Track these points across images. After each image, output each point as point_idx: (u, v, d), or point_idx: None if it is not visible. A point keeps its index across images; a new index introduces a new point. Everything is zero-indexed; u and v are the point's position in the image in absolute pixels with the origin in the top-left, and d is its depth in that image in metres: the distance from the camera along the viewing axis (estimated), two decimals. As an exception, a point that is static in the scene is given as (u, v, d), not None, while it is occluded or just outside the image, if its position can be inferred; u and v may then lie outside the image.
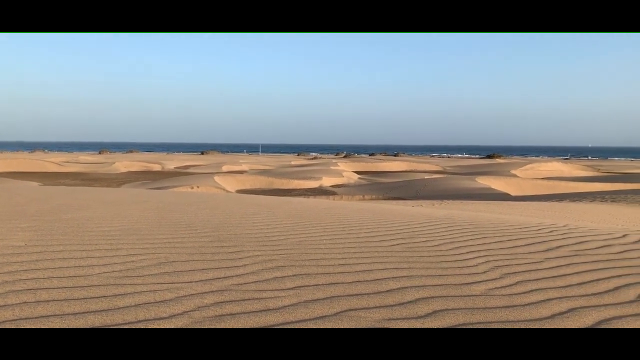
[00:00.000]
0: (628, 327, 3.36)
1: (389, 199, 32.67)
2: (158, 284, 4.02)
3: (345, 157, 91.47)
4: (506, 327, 3.31)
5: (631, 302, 3.91)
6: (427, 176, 52.16)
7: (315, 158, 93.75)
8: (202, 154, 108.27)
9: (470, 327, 3.29)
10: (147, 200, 10.69)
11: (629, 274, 4.74)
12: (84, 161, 70.73)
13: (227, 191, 37.01)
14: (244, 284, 4.08)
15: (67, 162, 66.19)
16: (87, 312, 3.35)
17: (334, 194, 39.08)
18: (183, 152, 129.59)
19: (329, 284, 4.12)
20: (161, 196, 12.38)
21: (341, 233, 6.62)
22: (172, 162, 71.14)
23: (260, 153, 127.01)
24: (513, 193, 37.47)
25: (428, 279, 4.38)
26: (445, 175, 53.81)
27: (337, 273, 4.48)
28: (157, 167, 63.82)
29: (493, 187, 40.37)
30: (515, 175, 52.54)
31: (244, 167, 63.35)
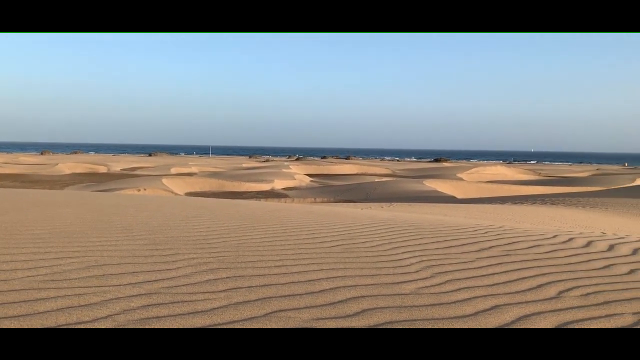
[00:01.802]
0: (545, 322, 3.52)
1: (339, 201, 32.95)
2: (84, 287, 3.90)
3: (297, 159, 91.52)
4: (428, 327, 3.40)
5: (551, 298, 4.09)
6: (377, 179, 52.93)
7: (267, 161, 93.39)
8: (150, 155, 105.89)
9: (396, 325, 3.36)
10: (85, 203, 10.35)
11: (553, 272, 4.97)
12: (24, 162, 67.80)
13: (176, 194, 36.31)
14: (175, 287, 4.01)
15: (6, 163, 63.21)
16: (3, 317, 3.21)
17: (285, 196, 39.04)
18: (130, 153, 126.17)
19: (262, 286, 4.11)
20: (102, 198, 12.01)
21: (282, 235, 6.62)
22: (119, 163, 69.16)
23: (210, 155, 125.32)
24: (459, 196, 38.52)
25: (361, 279, 4.45)
26: (394, 179, 54.75)
27: (272, 275, 4.47)
28: (102, 169, 61.87)
29: (440, 190, 41.38)
30: (461, 179, 54.02)
31: (194, 170, 62.32)
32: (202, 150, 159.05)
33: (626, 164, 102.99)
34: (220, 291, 3.94)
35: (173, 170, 59.23)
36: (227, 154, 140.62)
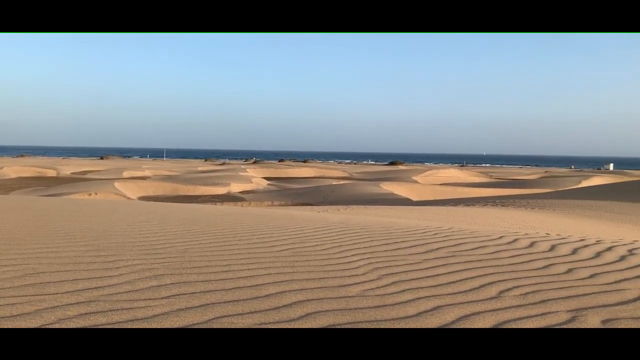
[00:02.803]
0: (484, 321, 3.61)
1: (297, 204, 32.93)
2: (19, 296, 3.74)
3: (254, 163, 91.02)
4: (369, 327, 3.43)
5: (492, 298, 4.21)
6: (335, 182, 53.23)
7: (223, 164, 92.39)
8: (102, 158, 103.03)
9: (339, 327, 3.38)
10: (30, 208, 9.96)
11: (495, 273, 5.11)
12: (-35, 166, 64.60)
13: (129, 198, 35.43)
14: (115, 294, 3.91)
15: (-54, 167, 60.09)
16: None
17: (242, 200, 38.71)
18: (80, 156, 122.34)
19: (206, 292, 4.06)
20: (48, 203, 11.58)
21: (232, 240, 6.56)
22: (69, 167, 66.91)
23: (165, 158, 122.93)
24: (414, 198, 39.19)
25: (308, 282, 4.45)
26: (352, 181, 55.23)
27: (218, 280, 4.42)
28: (51, 173, 59.70)
29: (396, 192, 42.00)
30: (416, 181, 55.00)
31: (147, 173, 61.01)
32: (156, 154, 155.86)
33: (572, 167, 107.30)
34: (162, 298, 3.86)
35: (126, 174, 57.81)
36: (182, 157, 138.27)
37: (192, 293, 4.00)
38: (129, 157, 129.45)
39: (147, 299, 3.82)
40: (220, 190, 45.04)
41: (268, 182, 56.50)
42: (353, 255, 5.76)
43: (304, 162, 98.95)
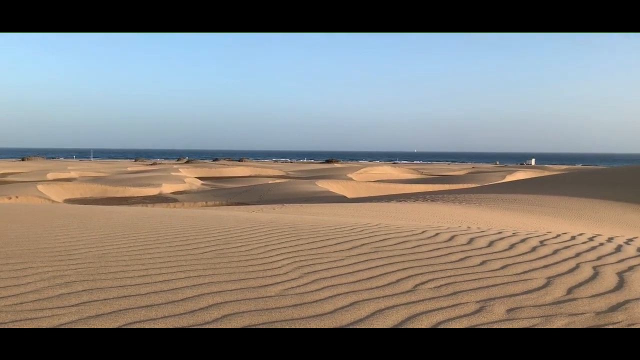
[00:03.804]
0: (397, 315, 3.72)
1: (232, 204, 32.54)
2: None
3: (187, 162, 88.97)
4: (286, 327, 3.45)
5: (407, 292, 4.34)
6: (270, 181, 53.06)
7: (154, 164, 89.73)
8: (23, 160, 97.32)
9: (255, 327, 3.38)
10: None
11: (413, 267, 5.27)
12: None
13: (53, 201, 33.74)
14: (20, 303, 3.71)
15: None
16: None
17: (174, 201, 37.78)
18: None
19: (119, 297, 3.94)
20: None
21: (154, 243, 6.39)
22: (-15, 170, 62.72)
23: (92, 159, 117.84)
24: (349, 195, 39.74)
25: (228, 284, 4.41)
26: (288, 180, 55.22)
27: (133, 285, 4.30)
28: (-35, 176, 55.74)
29: (332, 190, 42.43)
30: (351, 179, 55.77)
31: (73, 175, 58.30)
32: (83, 154, 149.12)
33: (497, 163, 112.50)
34: (72, 305, 3.71)
35: (50, 176, 54.93)
36: (111, 158, 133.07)
37: (104, 299, 3.87)
38: (53, 158, 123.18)
39: (55, 308, 3.65)
40: (152, 192, 43.80)
41: (202, 182, 55.50)
42: (277, 255, 5.76)
43: (239, 161, 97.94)
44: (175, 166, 73.33)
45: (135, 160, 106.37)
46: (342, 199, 35.06)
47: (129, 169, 71.10)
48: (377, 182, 51.37)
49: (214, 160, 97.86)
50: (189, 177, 56.46)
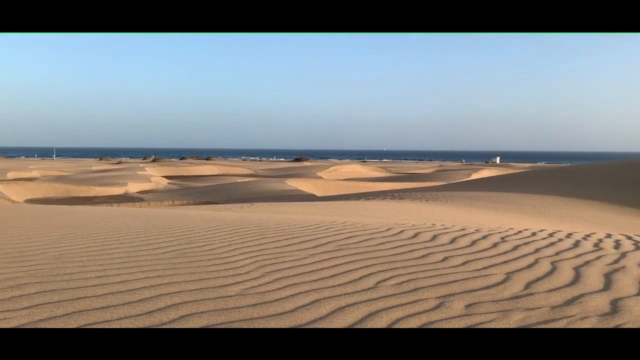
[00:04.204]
0: (358, 312, 3.72)
1: (199, 203, 32.15)
2: None
3: (153, 161, 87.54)
4: (243, 327, 3.42)
5: (368, 289, 4.35)
6: (239, 180, 52.68)
7: (120, 163, 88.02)
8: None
9: (213, 327, 3.33)
10: None
11: (376, 264, 5.29)
12: None
13: (14, 201, 32.71)
14: (-33, 308, 3.56)
15: None
16: None
17: (141, 200, 37.13)
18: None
19: (74, 299, 3.82)
20: None
21: (113, 243, 6.24)
22: (-59, 169, 60.36)
23: (55, 157, 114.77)
24: (318, 194, 39.79)
25: (188, 284, 4.34)
26: (257, 179, 54.92)
27: (89, 287, 4.18)
28: None
29: (301, 188, 42.40)
30: (320, 177, 55.86)
31: (35, 174, 56.71)
32: (45, 153, 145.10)
33: (463, 161, 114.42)
34: (22, 309, 3.58)
35: (10, 175, 53.23)
36: (75, 156, 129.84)
37: (58, 302, 3.76)
38: (13, 157, 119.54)
39: (5, 311, 3.52)
40: (117, 191, 43.00)
41: (169, 181, 54.72)
42: (240, 254, 5.70)
43: (207, 159, 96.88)
44: (141, 165, 72.05)
45: (100, 159, 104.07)
46: (311, 198, 35.07)
47: (94, 168, 69.57)
48: (346, 181, 51.60)
49: (181, 159, 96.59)
50: (155, 176, 55.62)
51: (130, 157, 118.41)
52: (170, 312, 3.60)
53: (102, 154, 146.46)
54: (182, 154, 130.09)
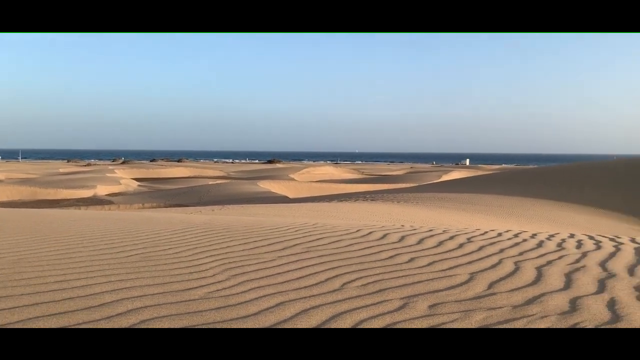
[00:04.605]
0: (322, 314, 3.71)
1: (170, 206, 31.72)
2: None
3: (123, 163, 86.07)
4: (210, 328, 3.37)
5: (334, 291, 4.34)
6: (211, 182, 52.22)
7: (89, 165, 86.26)
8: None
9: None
10: None
11: (343, 266, 5.29)
12: None
13: (-24, 205, 31.76)
14: None
15: None
16: None
17: (110, 203, 36.50)
18: None
19: (31, 305, 3.71)
20: None
21: (76, 247, 6.10)
22: None
23: (20, 159, 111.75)
24: (291, 195, 39.70)
25: (151, 288, 4.26)
26: (229, 181, 54.52)
27: (47, 292, 4.07)
28: None
29: (273, 190, 42.27)
30: (293, 179, 55.79)
31: (0, 176, 55.07)
32: (10, 154, 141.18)
33: (434, 163, 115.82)
34: (-25, 316, 3.46)
35: (-28, 178, 51.68)
36: (42, 158, 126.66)
37: (13, 308, 3.64)
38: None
39: (-45, 319, 3.39)
40: (86, 194, 42.15)
41: (139, 183, 53.90)
42: (206, 257, 5.63)
43: (178, 161, 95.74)
44: (110, 167, 70.79)
45: (68, 161, 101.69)
46: (283, 200, 34.98)
47: (61, 170, 67.97)
48: (319, 182, 51.64)
49: (151, 161, 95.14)
50: (125, 178, 54.72)
51: (99, 159, 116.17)
52: (131, 317, 3.53)
53: (70, 156, 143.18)
54: (153, 156, 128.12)
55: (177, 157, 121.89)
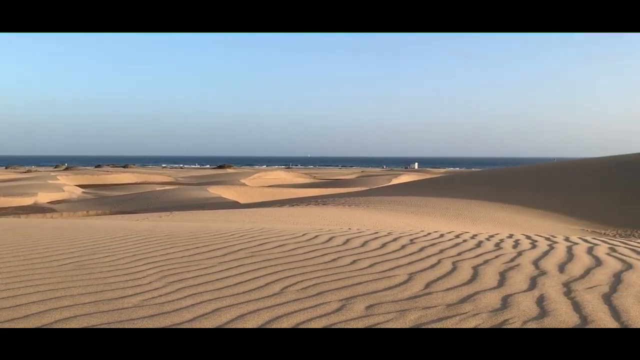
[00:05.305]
0: (259, 319, 3.68)
1: (116, 213, 30.77)
2: None
3: (66, 169, 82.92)
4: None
5: (274, 295, 4.32)
6: (159, 188, 51.06)
7: (29, 171, 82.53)
8: None
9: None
10: None
11: (285, 270, 5.27)
12: None
13: None
14: None
15: None
16: None
17: (52, 211, 35.07)
18: None
19: (-52, 319, 3.50)
20: None
21: (6, 257, 5.82)
22: None
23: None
24: (242, 201, 39.29)
25: (83, 297, 4.12)
26: (177, 187, 53.43)
27: (-32, 304, 3.85)
28: None
29: (224, 196, 41.72)
30: (244, 184, 55.31)
31: None
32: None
33: (384, 167, 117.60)
34: None
35: None
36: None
37: None
38: None
39: None
40: (26, 201, 40.32)
41: (83, 190, 52.08)
42: (144, 264, 5.49)
43: (125, 167, 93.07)
44: (52, 174, 67.98)
45: (6, 168, 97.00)
46: (234, 205, 34.62)
47: (0, 177, 64.81)
48: (270, 187, 51.43)
49: (96, 167, 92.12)
50: (68, 185, 52.75)
51: (40, 166, 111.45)
52: (58, 327, 3.39)
53: (8, 162, 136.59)
54: (98, 162, 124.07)
55: (123, 162, 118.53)
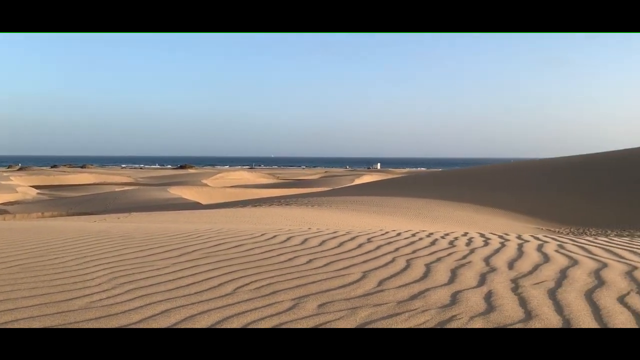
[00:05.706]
0: (209, 319, 3.65)
1: (73, 214, 29.91)
2: None
3: (20, 169, 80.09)
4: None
5: (226, 295, 4.29)
6: (117, 188, 49.95)
7: (-20, 172, 79.34)
8: None
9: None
10: None
11: (240, 270, 5.24)
12: None
13: None
14: None
15: None
16: None
17: (5, 212, 33.80)
18: None
19: None
20: None
21: (-53, 259, 5.57)
22: None
23: None
24: (204, 201, 38.81)
25: (26, 300, 3.99)
26: (137, 187, 52.37)
27: None
28: None
29: (185, 196, 41.11)
30: (206, 185, 54.69)
31: None
32: None
33: (348, 167, 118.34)
34: None
35: None
36: None
37: None
38: None
39: None
40: (-24, 203, 38.83)
41: (38, 191, 50.49)
42: (94, 266, 5.36)
43: (82, 167, 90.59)
44: (5, 174, 65.52)
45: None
46: (195, 206, 34.15)
47: (-53, 178, 62.07)
48: (233, 188, 51.01)
49: (52, 167, 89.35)
50: (22, 185, 51.00)
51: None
52: (-4, 332, 3.27)
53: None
54: (54, 162, 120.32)
55: (81, 162, 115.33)
